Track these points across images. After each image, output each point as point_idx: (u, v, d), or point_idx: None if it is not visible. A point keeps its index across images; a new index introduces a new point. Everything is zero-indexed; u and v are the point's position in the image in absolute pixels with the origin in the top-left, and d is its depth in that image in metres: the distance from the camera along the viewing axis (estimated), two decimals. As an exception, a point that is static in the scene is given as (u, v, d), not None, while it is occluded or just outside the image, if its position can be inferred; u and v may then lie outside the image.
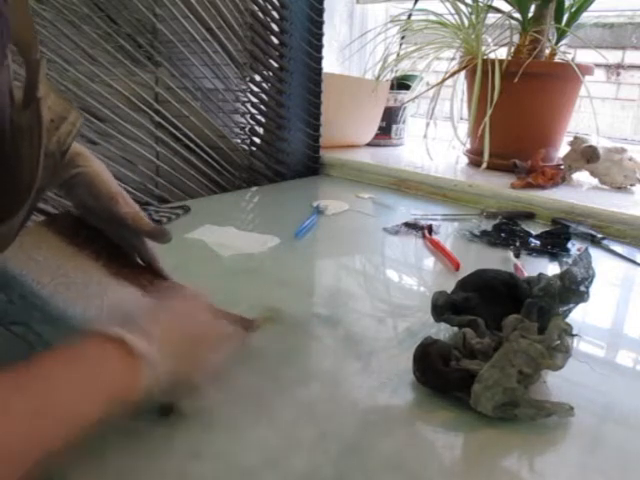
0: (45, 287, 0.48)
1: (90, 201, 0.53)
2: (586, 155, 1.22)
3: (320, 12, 1.33)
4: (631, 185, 1.22)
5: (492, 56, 1.29)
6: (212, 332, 0.49)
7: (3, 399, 0.31)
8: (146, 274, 0.57)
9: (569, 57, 1.35)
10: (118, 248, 0.57)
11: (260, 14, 1.22)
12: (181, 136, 1.17)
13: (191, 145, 1.18)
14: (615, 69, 1.59)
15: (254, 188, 1.31)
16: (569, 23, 1.31)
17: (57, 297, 0.48)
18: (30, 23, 0.38)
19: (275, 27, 1.26)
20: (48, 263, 0.51)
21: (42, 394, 0.34)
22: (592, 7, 1.28)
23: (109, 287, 0.53)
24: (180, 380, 0.44)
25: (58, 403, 0.34)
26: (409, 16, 1.56)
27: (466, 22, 1.31)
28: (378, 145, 1.64)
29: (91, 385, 0.37)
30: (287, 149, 1.37)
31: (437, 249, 0.90)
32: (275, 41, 1.27)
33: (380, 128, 1.63)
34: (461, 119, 1.44)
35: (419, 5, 1.60)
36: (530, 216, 1.11)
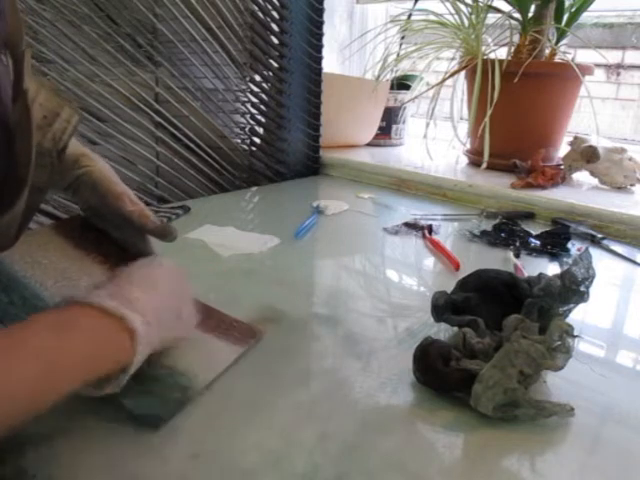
0: (48, 289, 0.48)
1: (96, 201, 0.53)
2: (586, 155, 1.22)
3: (320, 12, 1.33)
4: (631, 185, 1.22)
5: (492, 56, 1.29)
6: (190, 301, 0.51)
7: None
8: None
9: (569, 57, 1.35)
10: (125, 251, 0.57)
11: (260, 14, 1.22)
12: (181, 136, 1.17)
13: (191, 145, 1.18)
14: (615, 69, 1.59)
15: (254, 188, 1.31)
16: (569, 23, 1.31)
17: (59, 299, 0.48)
18: (16, 15, 0.38)
19: (275, 27, 1.26)
20: (53, 266, 0.51)
21: (29, 357, 0.34)
22: (592, 7, 1.28)
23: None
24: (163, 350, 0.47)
25: (45, 369, 0.34)
26: (409, 16, 1.56)
27: (466, 22, 1.31)
28: (378, 145, 1.64)
29: (81, 356, 0.38)
30: (287, 149, 1.37)
31: (437, 249, 0.90)
32: (275, 41, 1.27)
33: (380, 128, 1.63)
34: (461, 119, 1.44)
35: (419, 5, 1.60)
36: (530, 216, 1.11)
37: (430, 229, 0.99)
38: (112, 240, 0.57)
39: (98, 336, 0.40)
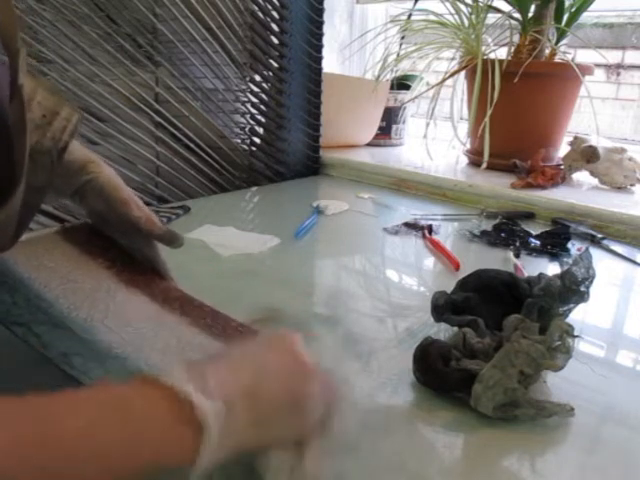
0: (52, 291, 0.48)
1: (102, 207, 0.53)
2: (586, 155, 1.22)
3: (320, 12, 1.33)
4: (631, 185, 1.22)
5: (492, 56, 1.29)
6: (316, 393, 0.36)
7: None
8: (158, 283, 0.57)
9: (569, 57, 1.35)
10: (132, 257, 0.57)
11: (260, 14, 1.22)
12: (181, 136, 1.17)
13: (191, 145, 1.18)
14: (615, 69, 1.59)
15: (254, 188, 1.31)
16: (569, 23, 1.31)
17: (62, 301, 0.48)
18: (10, 9, 0.37)
19: (275, 27, 1.26)
20: (58, 269, 0.51)
21: (66, 435, 0.27)
22: (592, 7, 1.28)
23: (118, 294, 0.52)
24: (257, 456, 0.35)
25: (82, 453, 0.27)
26: (409, 16, 1.56)
27: (466, 22, 1.31)
28: (378, 145, 1.64)
29: (127, 444, 0.29)
30: (287, 149, 1.36)
31: (437, 249, 0.90)
32: (275, 41, 1.27)
33: (380, 128, 1.63)
34: (461, 119, 1.44)
35: (419, 5, 1.60)
36: (530, 216, 1.11)
37: (430, 229, 0.99)
38: (118, 246, 0.57)
39: (153, 425, 0.30)
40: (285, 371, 0.36)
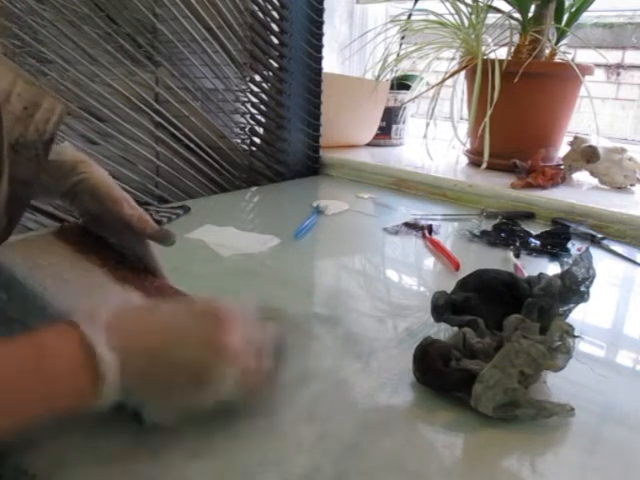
0: (47, 289, 0.48)
1: (94, 207, 0.53)
2: (586, 155, 1.22)
3: (320, 12, 1.33)
4: (631, 185, 1.22)
5: (492, 56, 1.29)
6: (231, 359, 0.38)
7: None
8: (152, 281, 0.57)
9: (569, 57, 1.35)
10: (124, 256, 0.57)
11: (260, 14, 1.22)
12: (181, 136, 1.17)
13: (191, 145, 1.18)
14: (615, 69, 1.59)
15: (254, 188, 1.31)
16: (569, 23, 1.31)
17: (58, 299, 0.48)
18: None
19: (275, 27, 1.26)
20: (53, 268, 0.51)
21: None
22: (592, 7, 1.28)
23: (112, 291, 0.53)
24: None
25: None
26: (409, 16, 1.56)
27: (466, 22, 1.31)
28: (378, 145, 1.64)
29: (29, 377, 0.33)
30: (287, 149, 1.37)
31: (437, 249, 0.90)
32: (275, 41, 1.27)
33: (380, 128, 1.63)
34: (461, 119, 1.43)
35: (419, 5, 1.60)
36: (530, 216, 1.11)
37: (430, 229, 0.99)
38: (111, 246, 0.57)
39: (55, 355, 0.34)
40: (196, 343, 0.38)
